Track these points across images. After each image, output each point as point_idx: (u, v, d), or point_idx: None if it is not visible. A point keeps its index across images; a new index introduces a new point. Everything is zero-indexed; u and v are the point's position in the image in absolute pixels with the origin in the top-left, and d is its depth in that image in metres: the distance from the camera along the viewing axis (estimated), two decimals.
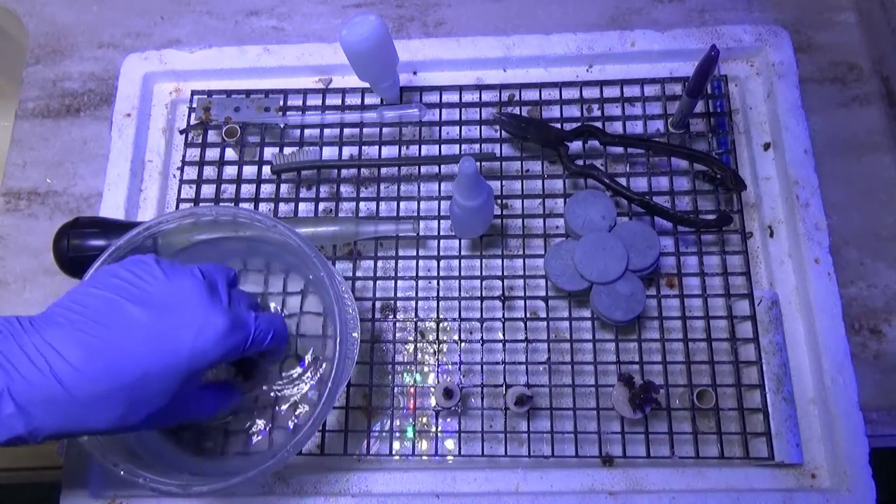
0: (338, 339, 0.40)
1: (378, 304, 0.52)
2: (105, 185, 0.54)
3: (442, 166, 0.54)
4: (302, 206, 0.54)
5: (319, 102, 0.57)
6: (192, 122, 0.56)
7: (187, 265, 0.38)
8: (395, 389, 0.49)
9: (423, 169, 0.55)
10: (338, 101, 0.57)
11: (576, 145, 0.54)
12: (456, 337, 0.50)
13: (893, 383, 0.50)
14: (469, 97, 0.56)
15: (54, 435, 0.32)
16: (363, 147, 0.56)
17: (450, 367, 0.50)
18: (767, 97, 0.55)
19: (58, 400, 0.31)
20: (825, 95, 0.58)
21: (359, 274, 0.53)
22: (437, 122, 0.56)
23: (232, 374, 0.45)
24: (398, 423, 0.49)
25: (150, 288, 0.35)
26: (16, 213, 0.58)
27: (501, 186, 0.54)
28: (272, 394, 0.46)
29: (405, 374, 0.50)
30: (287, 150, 0.55)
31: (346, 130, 0.56)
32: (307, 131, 0.56)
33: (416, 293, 0.51)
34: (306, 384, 0.46)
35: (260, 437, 0.46)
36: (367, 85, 0.53)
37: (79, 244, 0.46)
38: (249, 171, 0.56)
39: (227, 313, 0.36)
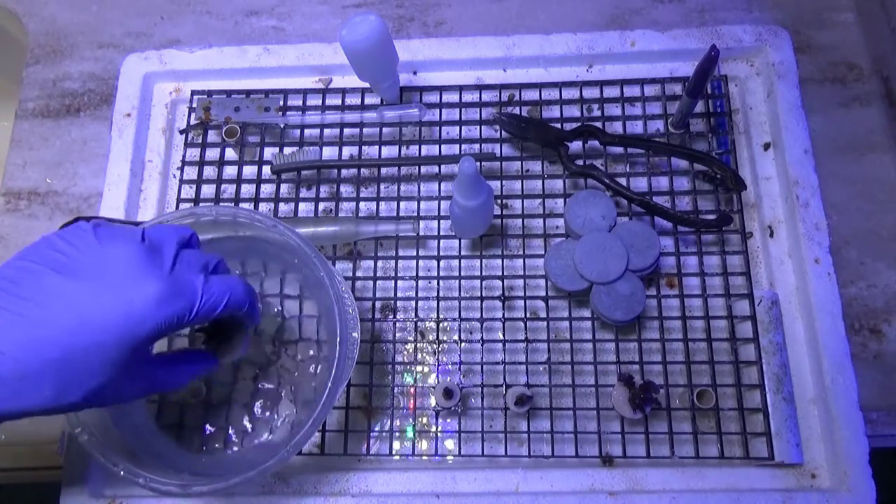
0: (338, 339, 0.40)
1: (378, 304, 0.52)
2: (105, 185, 0.54)
3: (442, 166, 0.54)
4: (302, 206, 0.54)
5: (319, 102, 0.57)
6: (192, 122, 0.56)
7: (132, 228, 0.36)
8: (395, 389, 0.49)
9: (423, 169, 0.55)
10: (338, 101, 0.57)
11: (576, 145, 0.54)
12: (456, 337, 0.50)
13: (893, 383, 0.50)
14: (469, 97, 0.56)
15: None
16: (363, 147, 0.56)
17: (450, 367, 0.50)
18: (767, 97, 0.55)
19: None
20: (825, 95, 0.58)
21: (359, 274, 0.53)
22: (437, 122, 0.56)
23: (200, 342, 0.43)
24: (398, 423, 0.49)
25: (81, 256, 0.33)
26: (16, 213, 0.58)
27: (501, 186, 0.54)
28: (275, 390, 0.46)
29: (405, 374, 0.50)
30: (287, 150, 0.55)
31: (346, 130, 0.56)
32: (307, 131, 0.56)
33: (416, 293, 0.51)
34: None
35: (260, 437, 0.46)
36: (367, 85, 0.53)
37: None
38: (249, 171, 0.56)
39: (165, 279, 0.34)
